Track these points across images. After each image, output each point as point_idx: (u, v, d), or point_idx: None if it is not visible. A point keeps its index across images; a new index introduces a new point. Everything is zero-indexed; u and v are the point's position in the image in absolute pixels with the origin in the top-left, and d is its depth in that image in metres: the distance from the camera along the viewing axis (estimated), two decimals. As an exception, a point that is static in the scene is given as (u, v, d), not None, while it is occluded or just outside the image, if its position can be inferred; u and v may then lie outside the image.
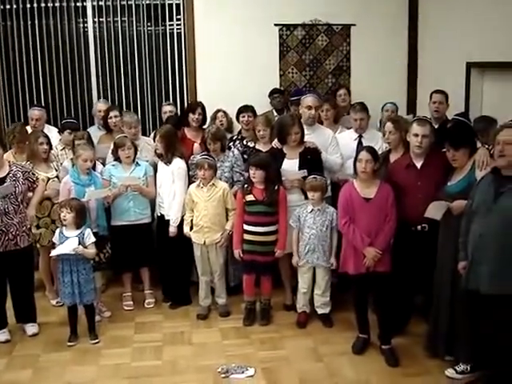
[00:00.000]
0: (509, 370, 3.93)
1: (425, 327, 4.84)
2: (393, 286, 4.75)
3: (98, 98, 7.31)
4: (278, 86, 7.19)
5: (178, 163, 5.47)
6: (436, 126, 5.58)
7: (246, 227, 5.20)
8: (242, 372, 4.54)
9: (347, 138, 5.83)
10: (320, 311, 5.34)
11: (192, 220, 5.37)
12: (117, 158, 5.56)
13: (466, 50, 6.29)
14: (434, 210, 4.38)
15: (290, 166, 5.32)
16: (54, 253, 4.89)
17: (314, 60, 7.41)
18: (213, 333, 5.21)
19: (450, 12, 6.59)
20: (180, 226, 5.44)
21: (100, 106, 6.71)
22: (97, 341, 5.03)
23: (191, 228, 5.38)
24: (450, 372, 4.45)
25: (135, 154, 5.57)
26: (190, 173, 5.62)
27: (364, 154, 4.63)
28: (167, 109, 6.64)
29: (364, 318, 4.89)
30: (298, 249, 5.21)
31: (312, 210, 5.15)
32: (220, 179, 5.49)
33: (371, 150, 4.70)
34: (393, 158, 5.03)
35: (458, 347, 4.44)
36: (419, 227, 4.62)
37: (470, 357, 4.37)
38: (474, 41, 6.16)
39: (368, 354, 4.80)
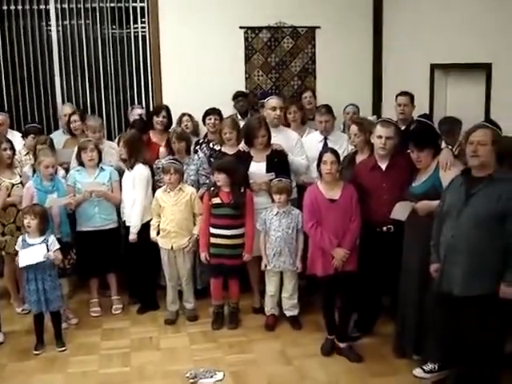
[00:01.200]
0: (477, 368, 3.96)
1: (393, 327, 4.87)
2: (360, 287, 4.78)
3: (63, 102, 7.23)
4: (243, 89, 7.21)
5: (140, 169, 5.42)
6: (403, 128, 5.65)
7: (212, 230, 5.18)
8: (211, 376, 4.51)
9: (313, 140, 5.85)
10: (288, 314, 5.34)
11: (159, 225, 5.33)
12: (81, 163, 5.49)
13: (430, 52, 6.37)
14: (400, 211, 4.41)
15: (258, 168, 5.32)
16: (22, 263, 4.78)
17: (280, 62, 7.43)
18: (181, 337, 5.18)
19: (414, 14, 6.66)
20: (141, 233, 5.39)
21: (65, 109, 6.63)
22: (64, 348, 4.96)
23: (158, 233, 5.34)
24: (417, 371, 4.47)
25: (99, 157, 5.51)
26: (156, 177, 5.58)
27: (328, 156, 4.65)
28: (138, 112, 6.59)
29: (332, 319, 4.90)
30: (265, 252, 5.21)
31: (277, 212, 5.16)
32: (186, 182, 5.47)
33: (335, 152, 4.73)
34: (359, 159, 5.04)
35: (426, 347, 4.47)
36: (385, 228, 4.65)
37: (438, 356, 4.41)
38: (437, 42, 6.23)
39: (337, 355, 4.81)
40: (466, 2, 5.75)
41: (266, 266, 5.23)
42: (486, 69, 5.47)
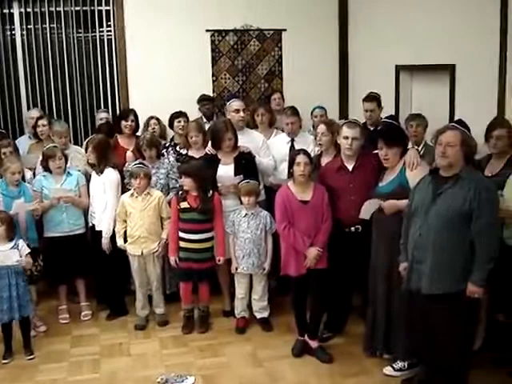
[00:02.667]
0: (445, 366, 4.01)
1: (363, 327, 4.90)
2: (330, 286, 4.81)
3: (28, 106, 7.13)
4: (211, 92, 7.19)
5: (110, 173, 5.39)
6: (371, 129, 5.71)
7: (181, 234, 5.17)
8: (182, 381, 4.50)
9: (280, 142, 5.87)
10: (259, 316, 5.35)
11: (126, 231, 5.30)
12: (47, 169, 5.43)
13: (395, 54, 6.42)
14: (367, 210, 4.46)
15: (226, 171, 5.32)
16: None
17: (247, 65, 7.43)
18: (151, 343, 5.15)
19: (379, 17, 6.72)
20: (113, 237, 5.35)
21: (33, 113, 6.53)
22: (32, 356, 4.90)
23: (125, 240, 5.31)
24: (388, 370, 4.54)
25: (66, 163, 5.45)
26: (125, 181, 5.54)
27: (302, 157, 4.66)
28: (102, 116, 6.55)
29: (303, 320, 4.93)
30: (234, 254, 5.21)
31: (246, 214, 5.17)
32: (155, 186, 5.45)
33: (307, 153, 4.75)
34: (324, 160, 5.08)
35: (396, 345, 4.52)
36: (353, 228, 4.69)
37: (408, 354, 4.45)
38: (402, 44, 6.29)
39: (308, 356, 4.83)
40: (430, 4, 5.81)
41: (236, 269, 5.23)
42: (449, 70, 5.53)
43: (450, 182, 3.81)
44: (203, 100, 6.86)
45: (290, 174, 4.77)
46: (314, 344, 4.84)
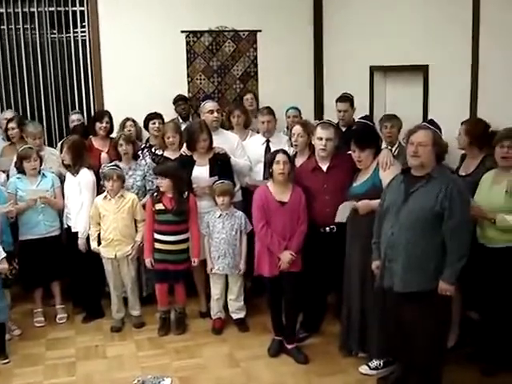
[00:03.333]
0: (419, 363, 4.05)
1: (339, 326, 4.92)
2: (306, 287, 4.84)
3: (1, 108, 7.05)
4: (186, 93, 7.17)
5: (86, 174, 5.36)
6: (344, 129, 5.74)
7: (156, 236, 5.15)
8: (159, 383, 4.49)
9: (255, 143, 5.89)
10: (235, 316, 5.36)
11: (99, 234, 5.27)
12: (21, 171, 5.38)
13: (369, 54, 6.47)
14: (342, 213, 4.47)
15: (201, 172, 5.32)
16: None
17: (222, 66, 7.42)
18: (127, 345, 5.14)
19: (354, 18, 6.76)
20: (89, 238, 5.33)
21: (6, 115, 6.46)
22: (7, 360, 4.85)
23: (99, 243, 5.28)
24: (363, 368, 4.58)
25: (41, 165, 5.41)
26: (101, 182, 5.50)
27: (281, 156, 4.68)
28: (75, 117, 6.50)
29: (279, 319, 4.94)
30: (210, 255, 5.21)
31: (220, 215, 5.17)
32: (132, 188, 5.44)
33: (286, 152, 4.78)
34: (298, 161, 5.09)
35: (370, 343, 4.56)
36: (327, 229, 4.71)
37: (382, 352, 4.50)
38: (376, 45, 6.34)
39: (284, 356, 4.85)
40: (403, 6, 5.87)
41: (211, 270, 5.23)
42: (423, 70, 5.59)
43: (421, 181, 3.86)
44: (179, 100, 6.86)
45: (269, 174, 4.78)
46: (289, 346, 4.87)
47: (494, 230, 4.20)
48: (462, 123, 4.70)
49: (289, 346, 4.86)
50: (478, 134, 4.59)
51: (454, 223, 3.72)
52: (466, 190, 3.92)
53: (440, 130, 4.13)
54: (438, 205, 3.74)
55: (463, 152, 4.80)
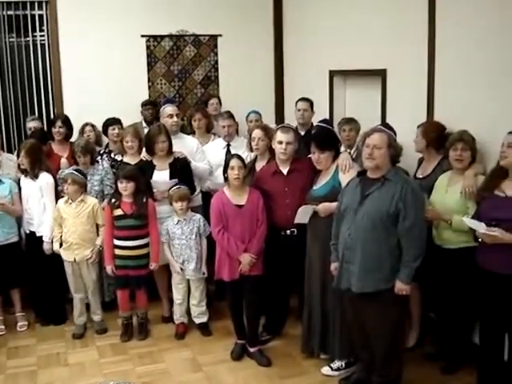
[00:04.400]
0: (380, 362, 4.11)
1: (301, 328, 4.93)
2: (267, 290, 4.86)
3: (-42, 114, 6.94)
4: (147, 98, 7.14)
5: (46, 177, 5.31)
6: (302, 133, 5.79)
7: (116, 242, 5.12)
8: (122, 388, 4.46)
9: (216, 147, 5.90)
10: (198, 321, 5.35)
11: (61, 236, 5.23)
12: (-23, 177, 5.31)
13: (329, 59, 6.52)
14: (302, 215, 4.51)
15: (161, 177, 5.30)
16: None
17: (183, 71, 7.42)
18: (89, 351, 5.09)
19: (313, 23, 6.81)
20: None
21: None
22: (-34, 370, 4.77)
23: (61, 245, 5.24)
24: (325, 370, 4.62)
25: (-2, 171, 5.36)
26: (59, 188, 5.46)
27: (235, 161, 4.70)
28: (31, 124, 6.38)
29: (241, 323, 4.96)
30: (174, 260, 5.19)
31: (178, 221, 5.16)
32: (90, 193, 5.40)
33: (240, 157, 4.80)
34: (259, 165, 5.12)
35: (332, 345, 4.59)
36: (288, 232, 4.75)
37: (343, 353, 4.54)
38: (335, 50, 6.40)
39: (247, 360, 4.86)
40: (362, 11, 5.93)
41: (180, 271, 5.19)
42: (381, 74, 5.66)
43: (377, 183, 3.92)
44: (147, 104, 6.84)
45: (225, 179, 4.80)
46: (252, 349, 4.89)
47: (449, 232, 4.27)
48: (418, 126, 4.79)
49: (251, 349, 4.88)
50: (435, 136, 4.67)
51: (408, 224, 3.78)
52: (420, 191, 3.99)
53: (395, 133, 4.19)
54: (393, 206, 3.80)
55: (421, 156, 4.88)
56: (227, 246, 4.73)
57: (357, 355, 4.46)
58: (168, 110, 5.71)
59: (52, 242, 5.29)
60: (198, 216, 5.23)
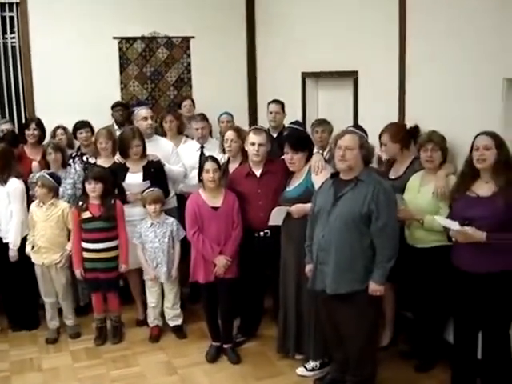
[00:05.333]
0: (354, 363, 4.14)
1: (276, 329, 4.95)
2: (242, 291, 4.87)
3: None
4: (119, 99, 7.11)
5: (14, 183, 5.24)
6: (275, 135, 5.81)
7: (85, 245, 5.07)
8: (95, 393, 4.44)
9: (190, 149, 5.90)
10: (172, 323, 5.33)
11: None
12: None
13: (301, 61, 6.55)
14: (276, 217, 4.53)
15: (134, 179, 5.28)
16: None
17: (155, 72, 7.40)
18: (63, 356, 5.05)
19: (286, 25, 6.85)
20: (21, 249, 5.21)
21: None
22: None
23: (33, 247, 5.20)
24: (300, 370, 4.64)
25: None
26: (31, 192, 5.41)
27: (210, 164, 4.70)
28: (3, 127, 6.33)
29: (216, 325, 4.96)
30: (147, 262, 5.17)
31: (152, 224, 5.14)
32: (63, 196, 5.36)
33: (215, 159, 4.79)
34: (231, 167, 5.12)
35: (307, 345, 4.61)
36: (262, 233, 4.76)
37: (318, 353, 4.56)
38: (307, 52, 6.44)
39: (222, 362, 4.87)
40: (333, 13, 5.96)
41: (153, 277, 5.17)
42: (353, 76, 5.70)
43: (350, 184, 3.94)
44: (117, 106, 6.79)
45: (200, 181, 4.80)
46: (226, 346, 4.93)
47: (421, 231, 4.31)
48: (380, 136, 4.78)
49: (225, 346, 4.91)
50: (403, 136, 4.71)
51: (381, 224, 3.82)
52: (392, 191, 4.01)
53: (366, 134, 4.23)
54: (365, 207, 3.83)
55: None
56: (202, 249, 4.72)
57: (331, 355, 4.48)
58: (142, 112, 5.69)
59: (22, 248, 5.23)
60: (172, 219, 5.21)
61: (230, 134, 5.19)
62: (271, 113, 6.08)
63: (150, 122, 5.63)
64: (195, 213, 4.74)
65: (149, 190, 5.14)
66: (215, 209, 4.74)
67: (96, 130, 5.96)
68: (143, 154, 5.32)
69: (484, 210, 3.68)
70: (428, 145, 4.34)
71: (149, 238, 5.12)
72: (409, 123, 4.88)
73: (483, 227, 3.65)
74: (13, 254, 5.22)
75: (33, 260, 5.21)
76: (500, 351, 3.85)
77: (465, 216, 3.74)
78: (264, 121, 6.45)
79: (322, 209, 4.04)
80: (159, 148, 5.58)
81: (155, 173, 5.31)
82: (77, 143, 6.37)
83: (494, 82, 4.14)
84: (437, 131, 4.42)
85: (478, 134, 3.79)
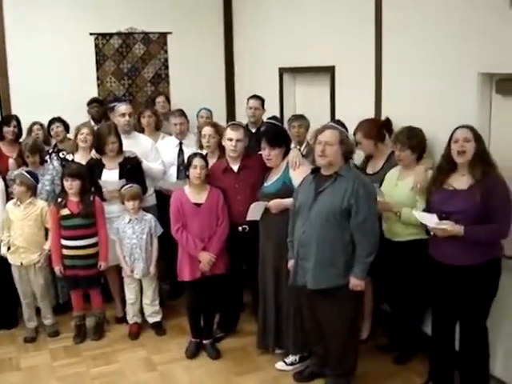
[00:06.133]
0: (334, 358, 4.17)
1: (255, 324, 4.97)
2: (221, 286, 4.87)
3: None
4: (96, 96, 7.06)
5: None
6: (253, 131, 5.82)
7: (64, 242, 5.04)
8: (75, 391, 4.41)
9: (168, 145, 5.87)
10: (151, 320, 5.33)
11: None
12: None
13: (278, 56, 6.57)
14: (254, 212, 4.53)
15: (110, 176, 5.24)
16: None
17: (132, 69, 7.36)
18: (42, 355, 5.02)
19: (263, 21, 6.85)
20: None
21: None
22: None
23: (9, 248, 5.14)
24: (280, 365, 4.66)
25: None
26: (10, 190, 5.35)
27: (198, 160, 4.69)
28: None
29: (198, 322, 4.95)
30: (124, 259, 5.14)
31: (130, 220, 5.12)
32: (41, 193, 5.31)
33: (203, 156, 4.79)
34: (209, 162, 5.06)
35: (286, 340, 4.63)
36: (240, 228, 4.76)
37: (298, 348, 4.58)
38: (284, 48, 6.45)
39: (202, 358, 4.87)
40: (310, 8, 5.97)
41: (131, 272, 5.15)
42: (330, 71, 5.71)
43: (330, 180, 3.95)
44: (92, 102, 6.74)
45: (186, 177, 4.79)
46: (205, 341, 4.93)
47: (398, 225, 4.34)
48: (354, 134, 4.77)
49: (205, 341, 4.92)
50: (376, 131, 4.73)
51: (361, 218, 3.84)
52: (372, 186, 4.04)
53: (346, 129, 4.24)
54: (345, 202, 3.85)
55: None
56: (186, 245, 4.71)
57: (310, 349, 4.51)
58: (121, 108, 5.65)
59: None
60: (150, 216, 5.20)
61: (207, 130, 5.19)
62: (250, 108, 6.06)
63: (127, 118, 5.59)
64: (178, 209, 4.73)
65: (127, 186, 5.11)
66: (198, 205, 4.73)
67: (71, 126, 5.93)
68: (119, 151, 5.29)
69: (461, 203, 3.72)
70: (396, 145, 4.37)
71: (127, 234, 5.10)
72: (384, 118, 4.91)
73: (461, 220, 3.68)
74: None
75: (10, 261, 5.15)
76: (477, 343, 3.89)
77: (442, 209, 3.77)
78: (241, 116, 6.45)
79: (303, 204, 4.05)
80: (138, 145, 5.55)
81: (132, 169, 5.27)
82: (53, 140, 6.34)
83: (469, 76, 4.18)
84: (404, 130, 4.41)
85: (457, 128, 3.81)
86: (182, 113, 5.94)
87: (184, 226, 4.73)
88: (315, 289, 3.99)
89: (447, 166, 3.88)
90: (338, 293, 3.95)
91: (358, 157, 4.87)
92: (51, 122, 6.19)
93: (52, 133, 6.15)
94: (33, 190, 5.14)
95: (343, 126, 4.44)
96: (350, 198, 3.85)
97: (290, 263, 4.24)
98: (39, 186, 5.31)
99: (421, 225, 3.99)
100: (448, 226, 3.69)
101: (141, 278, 5.19)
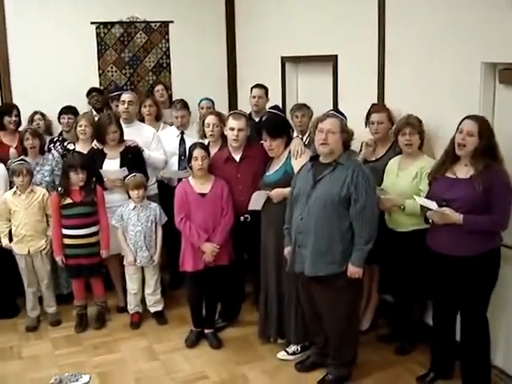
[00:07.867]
0: (333, 347, 4.17)
1: (257, 314, 4.97)
2: (227, 277, 4.87)
3: None
4: (97, 85, 7.04)
5: None
6: (257, 119, 5.79)
7: (66, 231, 5.04)
8: (77, 380, 4.36)
9: (170, 135, 5.85)
10: (153, 310, 5.34)
11: (11, 230, 5.13)
12: None
13: (280, 45, 6.53)
14: (255, 201, 4.53)
15: (112, 165, 5.24)
16: None
17: (134, 58, 7.32)
18: (43, 344, 5.03)
19: (265, 9, 6.80)
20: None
21: None
22: None
23: (11, 239, 5.14)
24: (281, 354, 4.66)
25: None
26: (9, 179, 5.34)
27: (199, 151, 4.67)
28: None
29: (199, 312, 4.95)
30: (128, 248, 5.13)
31: (135, 206, 5.11)
32: (41, 184, 5.31)
33: (204, 147, 4.77)
34: (211, 151, 5.05)
35: (288, 329, 4.63)
36: (242, 218, 4.76)
37: (299, 337, 4.58)
38: (287, 36, 6.41)
39: (203, 347, 4.88)
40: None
41: (134, 262, 5.14)
42: (332, 60, 5.69)
43: (329, 168, 3.95)
44: (92, 92, 6.72)
45: (190, 168, 4.78)
46: (207, 331, 4.94)
47: (401, 215, 4.32)
48: (371, 113, 4.75)
49: (206, 331, 4.92)
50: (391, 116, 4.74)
51: (359, 207, 3.84)
52: (371, 175, 4.01)
53: (345, 118, 4.22)
54: (344, 190, 3.85)
55: (364, 140, 4.89)
56: (189, 235, 4.70)
57: (312, 339, 4.50)
58: (123, 96, 5.66)
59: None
60: (155, 204, 5.20)
61: (211, 119, 5.18)
62: (254, 97, 6.01)
63: (126, 106, 5.57)
64: (182, 199, 4.72)
65: (131, 175, 5.10)
66: (202, 195, 4.72)
67: (77, 116, 5.94)
68: (121, 140, 5.28)
69: (461, 191, 3.72)
70: (406, 129, 4.34)
71: (131, 220, 5.10)
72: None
73: (460, 209, 3.68)
74: None
75: (15, 251, 5.16)
76: (478, 333, 3.89)
77: (442, 197, 3.77)
78: (244, 106, 6.42)
79: (301, 192, 4.04)
80: (140, 134, 5.54)
81: (133, 158, 5.26)
82: (57, 129, 6.32)
83: (473, 66, 4.15)
84: (413, 115, 4.41)
85: (466, 117, 3.78)
86: (183, 105, 5.87)
87: (188, 217, 4.72)
88: (312, 276, 3.99)
89: (452, 155, 3.86)
90: (336, 280, 3.95)
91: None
92: (62, 112, 6.17)
93: (63, 121, 6.14)
94: (31, 179, 5.16)
95: (342, 114, 4.42)
96: (350, 186, 3.85)
97: (286, 250, 4.25)
98: (39, 176, 5.33)
99: (421, 212, 3.99)
100: (448, 212, 3.69)
101: (144, 266, 5.18)
